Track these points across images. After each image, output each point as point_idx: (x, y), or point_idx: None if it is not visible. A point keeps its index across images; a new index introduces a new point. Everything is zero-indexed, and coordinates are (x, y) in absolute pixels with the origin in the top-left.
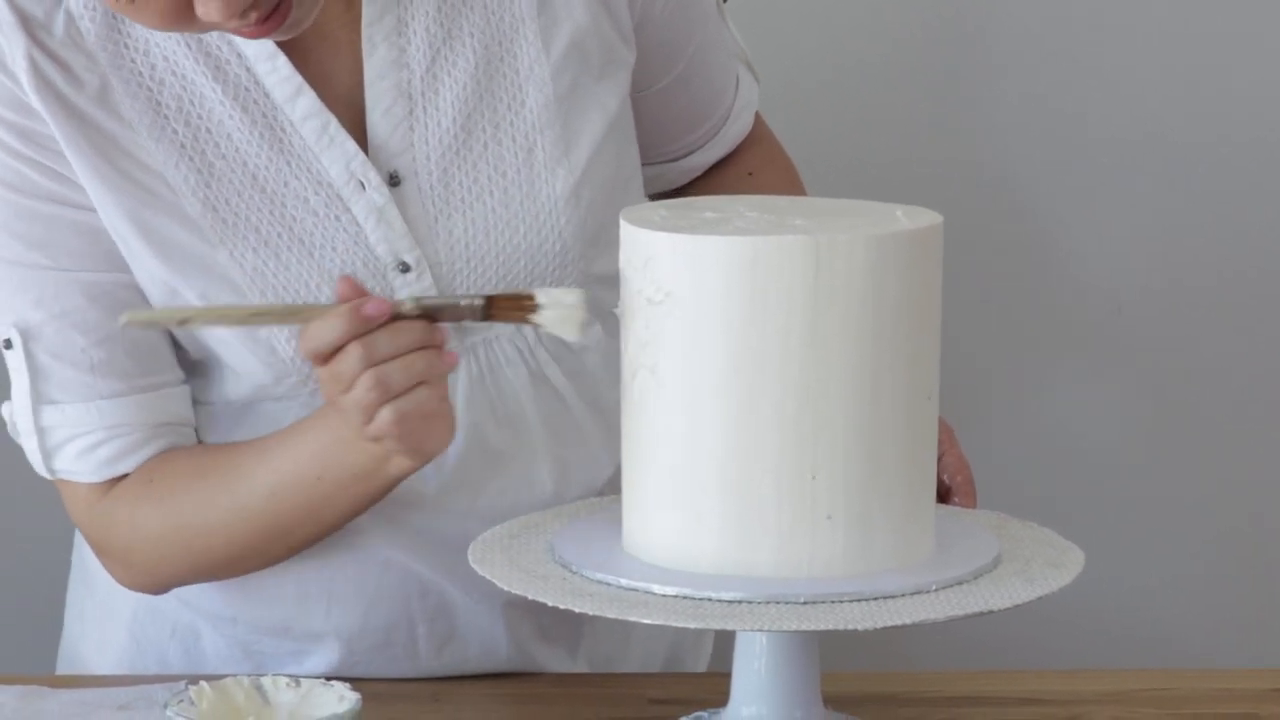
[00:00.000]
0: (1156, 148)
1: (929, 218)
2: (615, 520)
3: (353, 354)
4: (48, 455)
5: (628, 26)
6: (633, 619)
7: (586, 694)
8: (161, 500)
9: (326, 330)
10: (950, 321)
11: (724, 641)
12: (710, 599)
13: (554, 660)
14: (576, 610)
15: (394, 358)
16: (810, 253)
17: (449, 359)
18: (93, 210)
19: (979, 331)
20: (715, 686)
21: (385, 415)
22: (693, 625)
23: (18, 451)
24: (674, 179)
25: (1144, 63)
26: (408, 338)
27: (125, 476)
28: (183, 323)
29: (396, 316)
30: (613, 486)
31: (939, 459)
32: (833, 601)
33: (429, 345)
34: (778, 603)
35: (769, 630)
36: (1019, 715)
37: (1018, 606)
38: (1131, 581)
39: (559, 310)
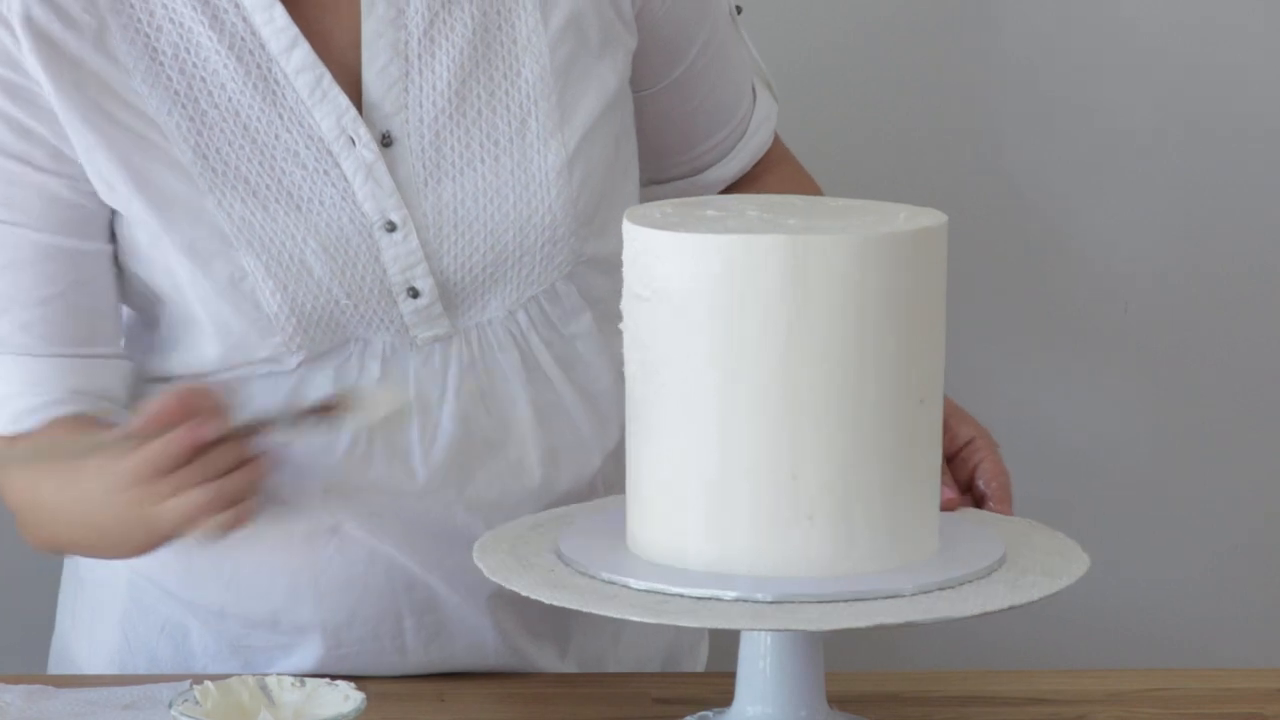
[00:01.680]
0: (1163, 145)
1: (930, 219)
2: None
3: (187, 474)
4: None
5: (628, 12)
6: (636, 619)
7: (590, 694)
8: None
9: (167, 455)
10: (956, 321)
11: (721, 643)
12: (713, 599)
13: (543, 657)
14: (583, 610)
15: (228, 473)
16: (787, 253)
17: (265, 465)
18: (59, 175)
19: (985, 330)
20: (719, 686)
21: (226, 518)
22: (695, 625)
23: None
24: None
25: (1150, 60)
26: (235, 453)
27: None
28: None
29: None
30: (602, 476)
31: (976, 466)
32: (836, 601)
33: (253, 458)
34: (782, 602)
35: (773, 630)
36: (1022, 715)
37: (1022, 606)
38: (1136, 581)
39: (368, 410)
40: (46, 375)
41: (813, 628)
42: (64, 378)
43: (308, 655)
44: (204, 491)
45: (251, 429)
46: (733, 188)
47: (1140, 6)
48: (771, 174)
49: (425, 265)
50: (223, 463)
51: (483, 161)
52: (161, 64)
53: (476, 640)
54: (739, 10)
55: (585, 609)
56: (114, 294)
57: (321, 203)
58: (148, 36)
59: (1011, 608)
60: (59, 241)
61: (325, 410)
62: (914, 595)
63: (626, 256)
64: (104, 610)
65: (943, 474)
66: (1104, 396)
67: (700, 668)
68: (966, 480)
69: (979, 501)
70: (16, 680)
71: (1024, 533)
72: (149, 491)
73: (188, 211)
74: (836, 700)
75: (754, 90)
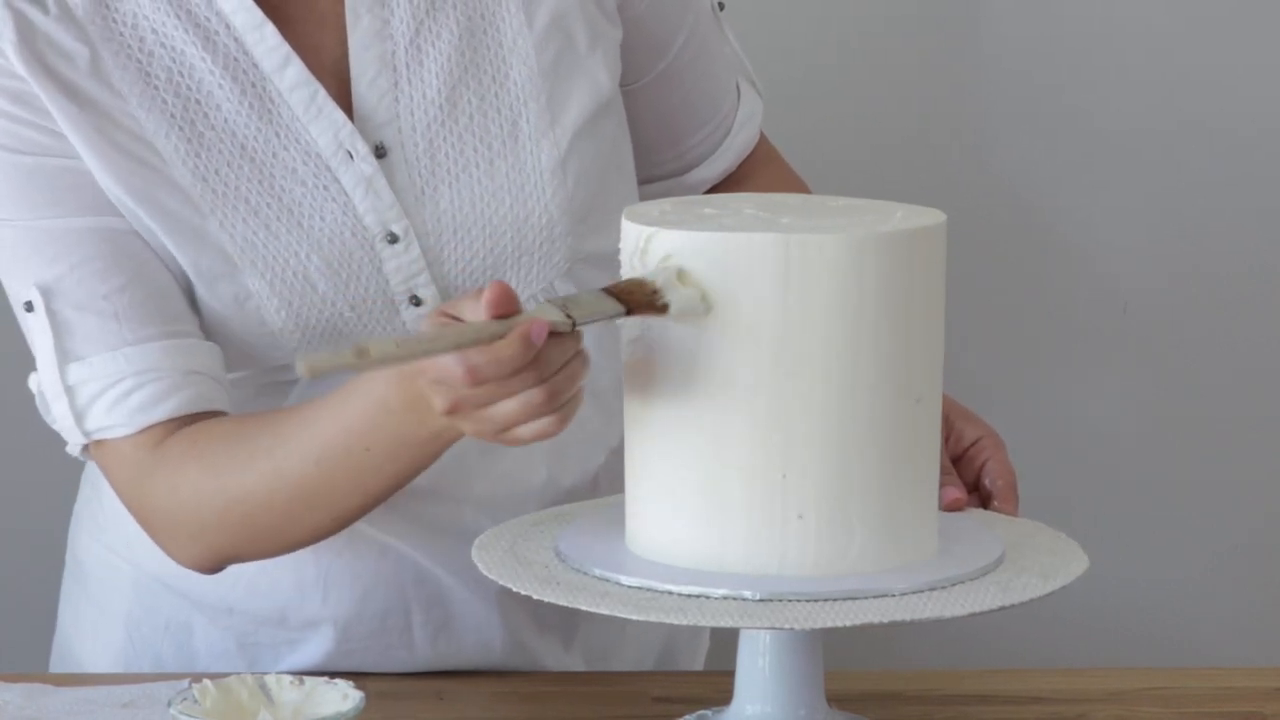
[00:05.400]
0: (1162, 145)
1: (927, 219)
2: (623, 518)
3: (526, 377)
4: (79, 416)
5: (610, 4)
6: (635, 617)
7: (589, 692)
8: (201, 460)
9: (504, 365)
10: (954, 320)
11: (721, 638)
12: (702, 596)
13: (549, 652)
14: (573, 606)
15: (560, 371)
16: (780, 251)
17: (587, 359)
18: None
19: (984, 331)
20: (719, 685)
21: (546, 424)
22: (684, 622)
23: (10, 448)
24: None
25: (1150, 59)
26: (569, 349)
27: (168, 437)
28: (361, 356)
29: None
30: (605, 472)
31: (982, 465)
32: (825, 600)
33: (580, 351)
34: (769, 600)
35: (762, 628)
36: (1022, 714)
37: (1022, 605)
38: (1136, 581)
39: (684, 305)
40: (156, 360)
41: (800, 626)
42: (173, 359)
43: (315, 651)
44: (541, 392)
45: (575, 324)
46: (719, 187)
47: (1139, 6)
48: (759, 174)
49: (427, 274)
50: (557, 361)
51: (477, 166)
52: (156, 88)
53: (484, 635)
54: (721, 6)
55: (575, 605)
56: (171, 274)
57: (322, 218)
58: (140, 62)
59: (1002, 609)
60: (112, 223)
61: (648, 309)
62: (903, 595)
63: (624, 253)
64: (108, 610)
65: (950, 474)
66: (1103, 396)
67: (700, 664)
68: (973, 480)
69: (985, 501)
70: (16, 679)
71: (1028, 534)
72: (482, 395)
73: (192, 235)
74: (836, 699)
75: (738, 87)
